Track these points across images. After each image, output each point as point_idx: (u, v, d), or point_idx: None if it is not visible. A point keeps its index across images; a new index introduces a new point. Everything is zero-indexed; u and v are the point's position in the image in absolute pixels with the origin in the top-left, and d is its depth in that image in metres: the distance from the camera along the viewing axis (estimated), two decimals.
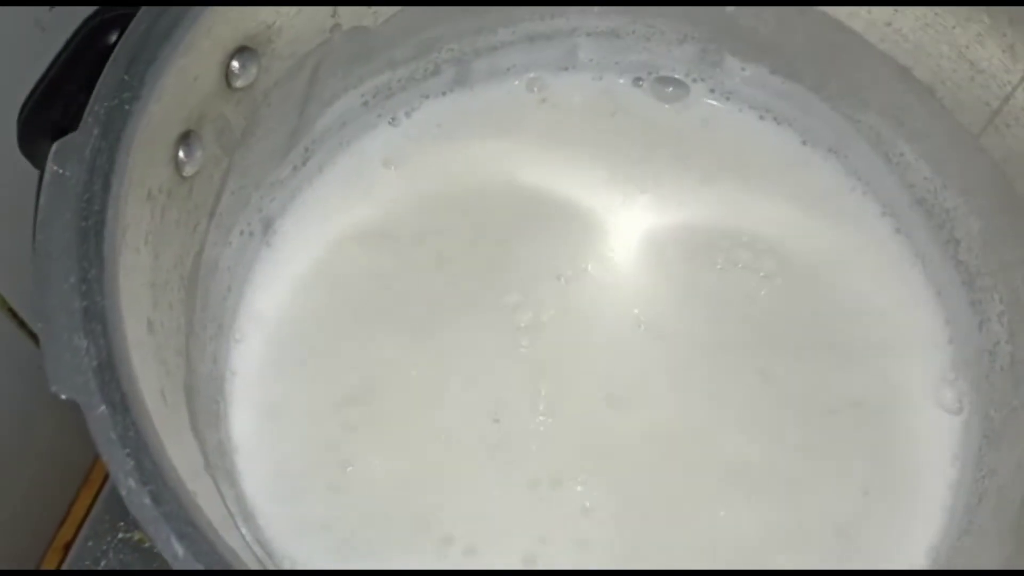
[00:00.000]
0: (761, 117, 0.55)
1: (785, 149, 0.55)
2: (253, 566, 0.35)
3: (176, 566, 0.29)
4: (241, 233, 0.48)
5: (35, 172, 0.37)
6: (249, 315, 0.49)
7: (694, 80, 0.55)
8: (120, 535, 0.52)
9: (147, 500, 0.30)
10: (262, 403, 0.48)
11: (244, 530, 0.41)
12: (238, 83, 0.43)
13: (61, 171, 0.35)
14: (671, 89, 0.56)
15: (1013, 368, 0.45)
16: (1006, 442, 0.44)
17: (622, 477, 0.46)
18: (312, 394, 0.48)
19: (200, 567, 0.30)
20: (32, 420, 0.56)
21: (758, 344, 0.50)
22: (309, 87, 0.48)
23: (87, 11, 0.44)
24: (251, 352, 0.49)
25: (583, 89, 0.56)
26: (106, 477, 0.59)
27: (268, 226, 0.51)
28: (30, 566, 0.60)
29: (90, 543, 0.52)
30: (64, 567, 0.57)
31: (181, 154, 0.40)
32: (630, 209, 0.53)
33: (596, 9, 0.53)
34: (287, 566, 0.44)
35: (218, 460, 0.43)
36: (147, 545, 0.51)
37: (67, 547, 0.58)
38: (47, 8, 0.49)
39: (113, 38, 0.40)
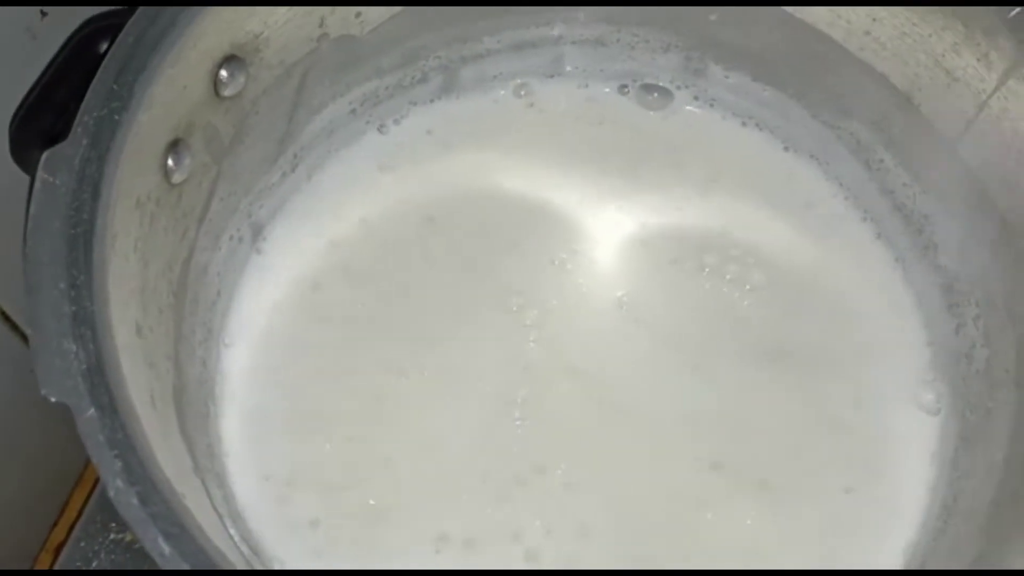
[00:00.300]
0: (744, 124, 0.56)
1: (768, 155, 0.55)
2: (241, 566, 0.36)
3: (163, 565, 0.30)
4: (230, 239, 0.49)
5: (27, 179, 0.38)
6: (239, 320, 0.50)
7: (678, 87, 0.56)
8: (112, 536, 0.53)
9: (135, 500, 0.31)
10: (251, 407, 0.48)
11: (233, 531, 0.42)
12: (226, 92, 0.43)
13: (51, 179, 0.35)
14: (656, 96, 0.57)
15: (988, 371, 0.46)
16: (980, 443, 0.45)
17: (613, 476, 0.47)
18: (301, 397, 0.49)
19: (187, 566, 0.30)
20: (25, 422, 0.56)
21: (742, 346, 0.50)
22: (297, 95, 0.49)
23: (79, 20, 0.45)
24: (241, 356, 0.49)
25: (569, 96, 0.57)
26: (98, 479, 0.59)
27: (258, 232, 0.51)
28: (23, 567, 0.61)
29: (82, 544, 0.53)
30: (56, 567, 0.58)
31: (170, 162, 0.41)
32: (616, 214, 0.54)
33: (581, 18, 0.54)
34: (276, 567, 0.44)
35: (207, 462, 0.44)
36: (139, 546, 0.52)
37: (59, 548, 0.59)
38: (39, 17, 0.49)
39: (103, 47, 0.40)
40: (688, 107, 0.56)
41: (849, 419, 0.49)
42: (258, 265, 0.51)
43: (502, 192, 0.54)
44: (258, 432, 0.48)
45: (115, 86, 0.37)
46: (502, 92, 0.56)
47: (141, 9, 0.39)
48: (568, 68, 0.56)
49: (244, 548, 0.42)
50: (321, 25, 0.47)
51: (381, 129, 0.55)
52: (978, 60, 0.43)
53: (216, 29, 0.41)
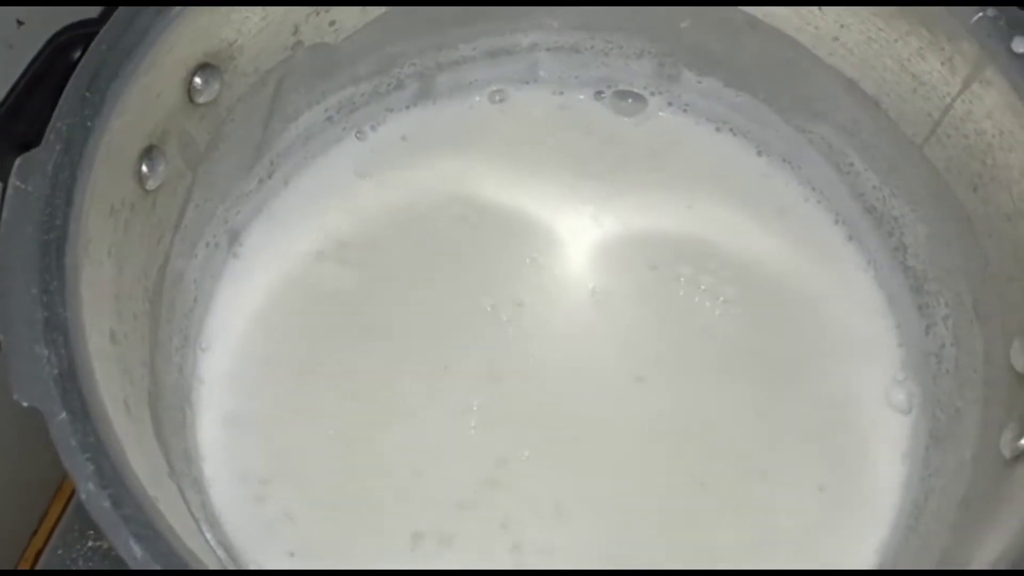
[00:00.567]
0: (718, 129, 0.56)
1: (741, 160, 0.56)
2: (215, 568, 0.36)
3: (135, 567, 0.30)
4: (207, 245, 0.49)
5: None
6: (216, 326, 0.50)
7: (652, 93, 0.57)
8: (90, 543, 0.53)
9: (106, 503, 0.31)
10: (228, 412, 0.49)
11: (209, 535, 0.42)
12: (201, 99, 0.44)
13: (23, 186, 0.35)
14: (630, 102, 0.57)
15: (957, 370, 0.46)
16: (950, 442, 0.45)
17: (584, 476, 0.47)
18: (279, 403, 0.49)
19: (158, 567, 0.30)
20: (3, 432, 0.56)
21: (716, 348, 0.51)
22: (273, 102, 0.49)
23: (54, 29, 0.45)
24: (218, 362, 0.50)
25: (544, 103, 0.57)
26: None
27: (234, 238, 0.52)
28: None
29: (59, 551, 0.53)
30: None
31: (144, 168, 0.41)
32: (591, 219, 0.54)
33: (556, 25, 0.54)
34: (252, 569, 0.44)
35: (184, 467, 0.44)
36: (116, 553, 0.52)
37: (37, 556, 0.59)
38: (15, 26, 0.50)
39: (78, 55, 0.41)
40: (662, 113, 0.57)
41: (822, 419, 0.50)
42: (235, 271, 0.52)
43: (479, 197, 0.54)
44: (235, 437, 0.48)
45: (88, 93, 0.38)
46: (477, 98, 0.57)
47: (114, 16, 0.39)
48: (543, 75, 0.57)
49: (220, 552, 0.42)
50: (295, 33, 0.47)
51: (359, 136, 0.55)
52: (942, 64, 0.44)
53: (190, 37, 0.42)
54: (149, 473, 0.35)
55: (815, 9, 0.47)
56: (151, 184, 0.42)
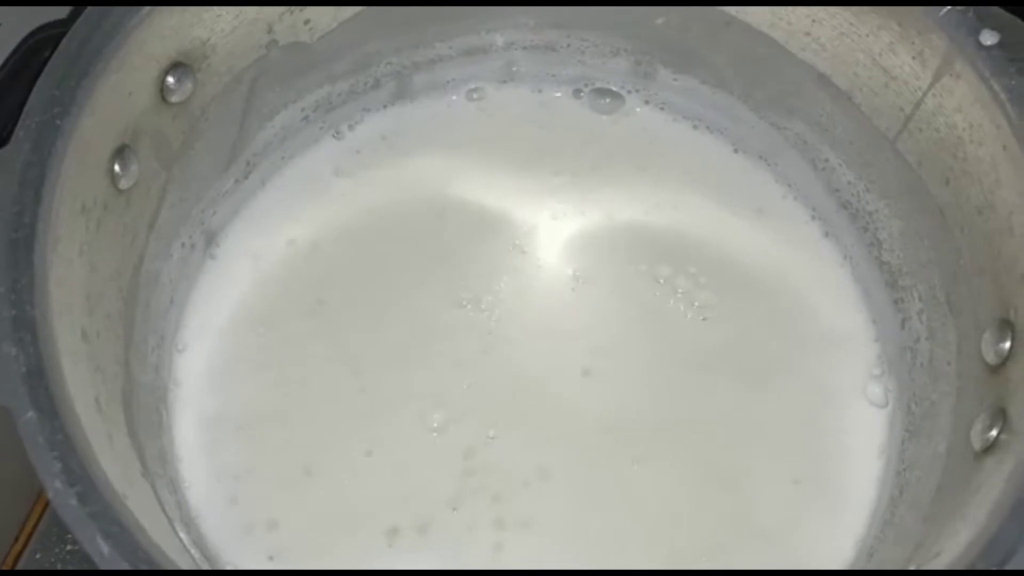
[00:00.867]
0: (695, 126, 0.57)
1: (718, 157, 0.56)
2: (188, 568, 0.36)
3: (102, 565, 0.30)
4: (183, 246, 0.49)
5: None
6: (192, 326, 0.50)
7: (628, 91, 0.57)
8: (68, 547, 0.53)
9: (73, 501, 0.31)
10: (205, 413, 0.48)
11: (184, 535, 0.42)
12: (174, 98, 0.44)
13: None
14: (607, 100, 0.57)
15: (932, 364, 0.47)
16: (925, 435, 0.45)
17: (559, 470, 0.48)
18: (256, 404, 0.49)
19: (126, 566, 0.30)
20: None
21: (693, 343, 0.51)
22: (247, 102, 0.49)
23: (27, 31, 0.45)
24: (194, 362, 0.50)
25: (522, 101, 0.57)
26: None
27: (211, 239, 0.52)
28: None
29: (38, 556, 0.53)
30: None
31: (117, 168, 0.41)
32: (569, 217, 0.54)
33: (531, 23, 0.55)
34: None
35: (159, 468, 0.44)
36: None
37: (16, 560, 0.58)
38: None
39: (47, 55, 0.41)
40: (639, 110, 0.57)
41: (800, 415, 0.50)
42: (211, 271, 0.52)
43: (457, 195, 0.55)
44: (211, 438, 0.48)
45: (57, 92, 0.38)
46: (455, 97, 0.57)
47: (84, 15, 0.39)
48: (520, 73, 0.57)
49: (195, 552, 0.42)
50: (269, 32, 0.47)
51: (337, 135, 0.55)
52: (913, 58, 0.44)
53: (161, 36, 0.42)
54: (120, 472, 0.35)
55: (787, 6, 0.47)
56: (124, 183, 0.42)
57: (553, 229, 0.54)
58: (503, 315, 0.51)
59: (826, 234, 0.54)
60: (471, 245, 0.53)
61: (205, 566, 0.42)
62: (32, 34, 0.45)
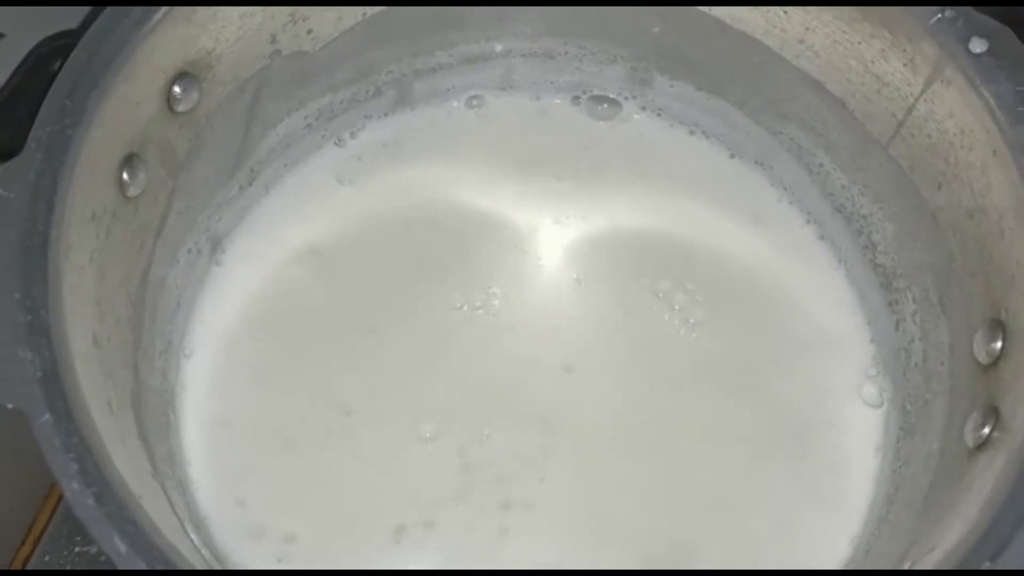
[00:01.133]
0: (691, 132, 0.57)
1: (715, 162, 0.57)
2: (200, 567, 0.37)
3: (120, 565, 0.31)
4: (189, 252, 0.50)
5: None
6: (199, 331, 0.51)
7: (625, 98, 0.58)
8: (77, 549, 0.53)
9: (91, 501, 0.32)
10: (212, 417, 0.49)
11: (194, 536, 0.43)
12: (180, 107, 0.45)
13: (5, 194, 0.36)
14: (605, 107, 0.58)
15: (925, 364, 0.47)
16: (919, 433, 0.46)
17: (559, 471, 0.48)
18: (262, 408, 0.50)
19: (143, 565, 0.31)
20: None
21: (690, 345, 0.52)
22: (252, 110, 0.50)
23: (34, 42, 0.46)
24: (201, 367, 0.50)
25: (521, 108, 0.58)
26: (62, 495, 0.60)
27: (216, 245, 0.52)
28: None
29: (47, 558, 0.53)
30: None
31: (125, 176, 0.42)
32: (569, 221, 0.55)
33: (529, 32, 0.55)
34: None
35: (168, 470, 0.45)
36: (105, 557, 0.53)
37: (25, 563, 0.59)
38: None
39: (58, 66, 0.41)
40: (636, 116, 0.58)
41: (796, 416, 0.50)
42: (217, 277, 0.52)
43: (458, 201, 0.55)
44: (218, 442, 0.49)
45: (68, 102, 0.38)
46: (455, 104, 0.58)
47: (93, 26, 0.40)
48: (519, 81, 0.58)
49: (205, 552, 0.43)
50: (273, 41, 0.48)
51: (339, 143, 0.56)
52: (904, 65, 0.45)
53: (168, 46, 0.43)
54: (133, 473, 0.36)
55: (781, 13, 0.48)
56: (132, 191, 0.43)
57: (554, 233, 0.55)
58: (504, 318, 0.52)
59: (821, 237, 0.55)
60: (473, 249, 0.54)
61: (216, 567, 0.43)
62: (40, 45, 0.46)
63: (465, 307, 0.52)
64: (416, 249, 0.54)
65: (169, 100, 0.44)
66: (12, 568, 0.55)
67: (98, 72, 0.39)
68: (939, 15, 0.42)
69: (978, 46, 0.42)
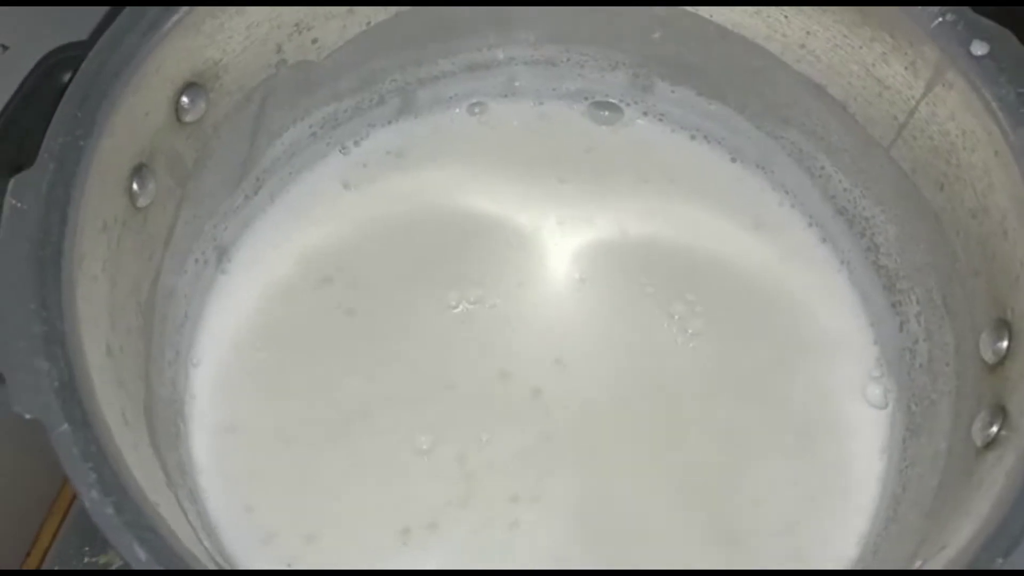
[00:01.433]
0: (692, 137, 0.58)
1: (716, 167, 0.57)
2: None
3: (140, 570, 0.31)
4: (196, 261, 0.50)
5: None
6: (206, 340, 0.51)
7: (627, 104, 0.58)
8: (86, 559, 0.53)
9: (110, 510, 0.32)
10: (220, 425, 0.49)
11: (207, 543, 0.43)
12: (188, 118, 0.45)
13: (19, 205, 0.36)
14: (607, 113, 0.58)
15: (931, 364, 0.48)
16: (925, 433, 0.47)
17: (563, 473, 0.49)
18: (270, 416, 0.50)
19: (160, 569, 0.31)
20: None
21: (693, 349, 0.52)
22: (257, 120, 0.50)
23: (39, 54, 0.46)
24: (209, 376, 0.50)
25: (523, 114, 0.59)
26: (70, 505, 0.60)
27: (222, 254, 0.53)
28: None
29: (56, 568, 0.53)
30: None
31: (135, 186, 0.42)
32: (570, 229, 0.55)
33: (531, 39, 0.56)
34: None
35: (179, 478, 0.45)
36: (114, 567, 0.53)
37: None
38: (0, 51, 0.50)
39: (66, 77, 0.42)
40: (638, 122, 0.58)
41: (801, 418, 0.51)
42: (224, 287, 0.52)
43: (462, 206, 0.56)
44: (227, 450, 0.49)
45: (79, 113, 0.39)
46: (457, 110, 0.58)
47: (103, 38, 0.40)
48: (521, 88, 0.58)
49: (220, 559, 0.43)
50: (279, 51, 0.48)
51: (343, 151, 0.56)
52: (905, 68, 0.45)
53: (175, 57, 0.43)
54: (148, 482, 0.36)
55: (782, 18, 0.49)
56: (142, 201, 0.43)
57: (557, 237, 0.55)
58: (510, 321, 0.52)
59: (823, 240, 0.55)
60: (477, 251, 0.54)
61: None
62: (47, 57, 0.46)
63: (468, 306, 0.52)
64: (421, 253, 0.54)
65: (177, 110, 0.44)
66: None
67: (108, 83, 0.40)
68: (940, 18, 0.43)
69: (979, 49, 0.42)
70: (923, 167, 0.47)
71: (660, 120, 0.58)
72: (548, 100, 0.59)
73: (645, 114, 0.58)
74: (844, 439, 0.50)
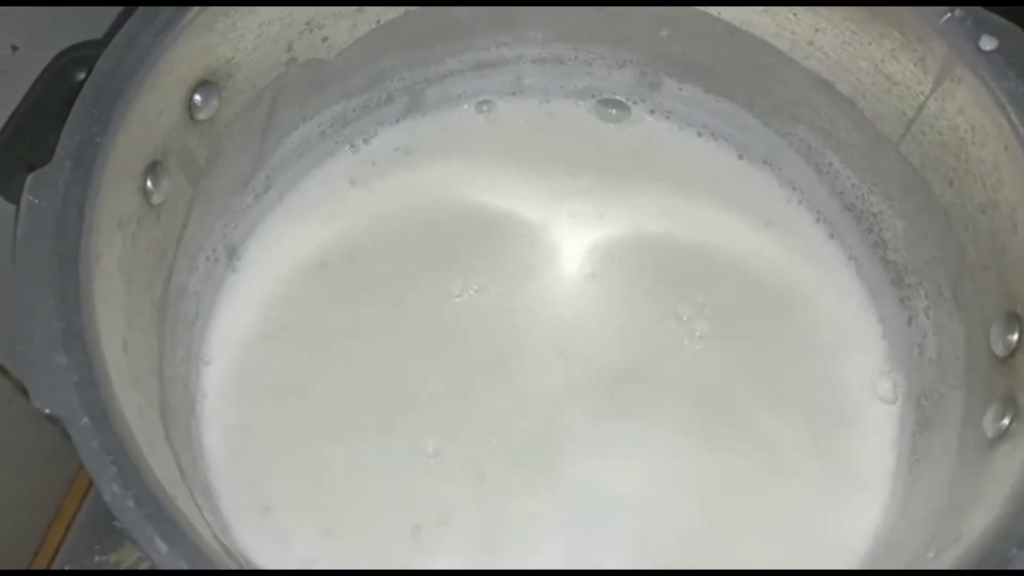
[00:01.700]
0: (700, 134, 0.58)
1: (724, 164, 0.58)
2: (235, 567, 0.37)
3: (160, 565, 0.31)
4: (207, 259, 0.50)
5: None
6: (217, 339, 0.51)
7: (635, 102, 0.58)
8: (97, 558, 0.53)
9: (131, 503, 0.32)
10: (231, 424, 0.49)
11: (223, 539, 0.43)
12: (200, 116, 0.45)
13: (37, 201, 0.37)
14: (614, 111, 0.59)
15: (940, 358, 0.48)
16: (936, 427, 0.47)
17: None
18: (280, 414, 0.50)
19: (184, 565, 0.31)
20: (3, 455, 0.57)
21: (704, 343, 0.52)
22: (268, 118, 0.50)
23: (49, 55, 0.46)
24: (220, 374, 0.51)
25: (531, 112, 0.59)
26: (80, 505, 0.60)
27: (233, 252, 0.53)
28: None
29: (67, 568, 0.53)
30: None
31: (149, 184, 0.42)
32: (578, 224, 0.56)
33: (539, 38, 0.56)
34: None
35: (192, 475, 0.45)
36: (124, 567, 0.53)
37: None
38: (9, 52, 0.50)
39: (80, 76, 0.42)
40: (646, 119, 0.58)
41: (811, 413, 0.51)
42: (234, 285, 0.53)
43: (470, 203, 0.56)
44: (238, 449, 0.49)
45: (95, 111, 0.39)
46: (465, 108, 0.58)
47: (117, 37, 0.41)
48: (529, 86, 0.58)
49: (236, 554, 0.43)
50: (289, 50, 0.49)
51: (352, 149, 0.57)
52: (915, 64, 0.46)
53: (189, 56, 0.43)
54: (165, 476, 0.36)
55: (791, 15, 0.49)
56: (156, 199, 0.43)
57: (564, 233, 0.55)
58: (520, 317, 0.52)
59: (831, 236, 0.55)
60: (483, 249, 0.55)
61: (245, 567, 0.43)
62: (60, 55, 0.46)
63: (484, 308, 0.52)
64: (430, 250, 0.54)
65: (190, 108, 0.44)
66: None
67: (123, 82, 0.40)
68: (948, 14, 0.43)
69: (988, 44, 0.42)
70: (932, 162, 0.47)
71: (667, 117, 0.58)
72: (556, 98, 0.59)
73: (652, 112, 0.58)
74: (854, 434, 0.51)
